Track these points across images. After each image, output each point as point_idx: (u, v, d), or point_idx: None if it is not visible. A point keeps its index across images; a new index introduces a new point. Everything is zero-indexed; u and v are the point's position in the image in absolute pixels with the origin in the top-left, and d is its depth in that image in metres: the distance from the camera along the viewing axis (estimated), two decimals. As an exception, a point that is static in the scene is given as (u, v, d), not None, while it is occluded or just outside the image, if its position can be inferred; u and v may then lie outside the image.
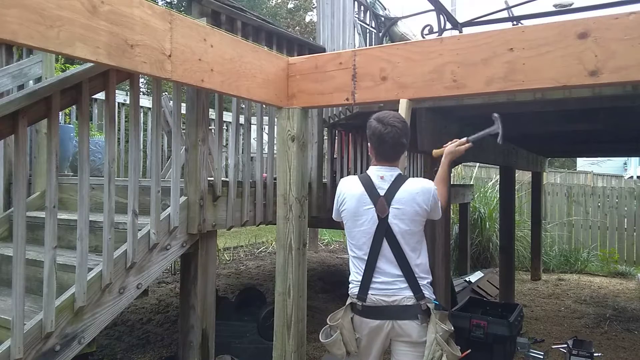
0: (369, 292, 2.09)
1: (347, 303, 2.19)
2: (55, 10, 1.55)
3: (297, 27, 19.17)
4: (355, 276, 2.16)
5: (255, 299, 4.57)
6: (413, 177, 5.55)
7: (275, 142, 3.09)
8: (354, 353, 2.15)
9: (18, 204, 1.93)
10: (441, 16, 3.61)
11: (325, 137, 4.27)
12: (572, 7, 3.66)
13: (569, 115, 3.66)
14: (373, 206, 2.10)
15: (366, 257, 2.11)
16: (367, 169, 2.33)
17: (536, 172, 7.73)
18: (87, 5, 1.65)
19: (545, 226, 8.55)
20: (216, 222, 2.92)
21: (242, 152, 3.66)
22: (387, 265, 2.09)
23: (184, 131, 2.88)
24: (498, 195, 7.02)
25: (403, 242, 2.08)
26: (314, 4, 19.06)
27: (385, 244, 2.08)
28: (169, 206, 2.66)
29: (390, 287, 2.08)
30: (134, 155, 2.42)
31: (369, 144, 2.21)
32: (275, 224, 2.96)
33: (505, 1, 4.06)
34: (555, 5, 3.83)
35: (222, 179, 2.98)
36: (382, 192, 2.11)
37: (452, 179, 6.65)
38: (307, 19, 20.45)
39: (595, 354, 3.79)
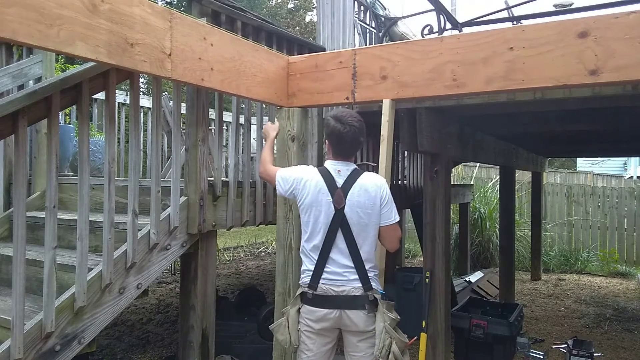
0: (320, 281, 2.13)
1: (297, 293, 2.23)
2: (55, 9, 1.55)
3: (297, 27, 19.18)
4: (308, 266, 2.19)
5: (255, 299, 4.57)
6: (412, 176, 5.59)
7: (275, 142, 3.09)
8: (294, 344, 2.19)
9: (18, 204, 1.93)
10: (441, 16, 3.60)
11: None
12: (572, 7, 3.66)
13: (569, 115, 3.65)
14: (331, 197, 2.13)
15: (320, 247, 2.15)
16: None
17: (536, 172, 7.72)
18: (87, 3, 1.65)
19: (545, 226, 8.54)
20: (216, 222, 2.92)
21: (242, 152, 3.66)
22: (339, 255, 2.13)
23: (184, 131, 2.88)
24: (498, 195, 7.00)
25: (356, 234, 2.12)
26: (314, 4, 19.06)
27: (339, 235, 2.12)
28: (169, 206, 2.65)
29: (340, 278, 2.12)
30: (134, 155, 2.42)
31: (326, 141, 2.25)
32: (275, 224, 2.96)
33: (505, 1, 4.06)
34: (555, 5, 3.83)
35: (222, 179, 2.98)
36: (339, 184, 2.15)
37: (452, 179, 6.63)
38: (307, 19, 20.47)
39: (595, 354, 3.78)
